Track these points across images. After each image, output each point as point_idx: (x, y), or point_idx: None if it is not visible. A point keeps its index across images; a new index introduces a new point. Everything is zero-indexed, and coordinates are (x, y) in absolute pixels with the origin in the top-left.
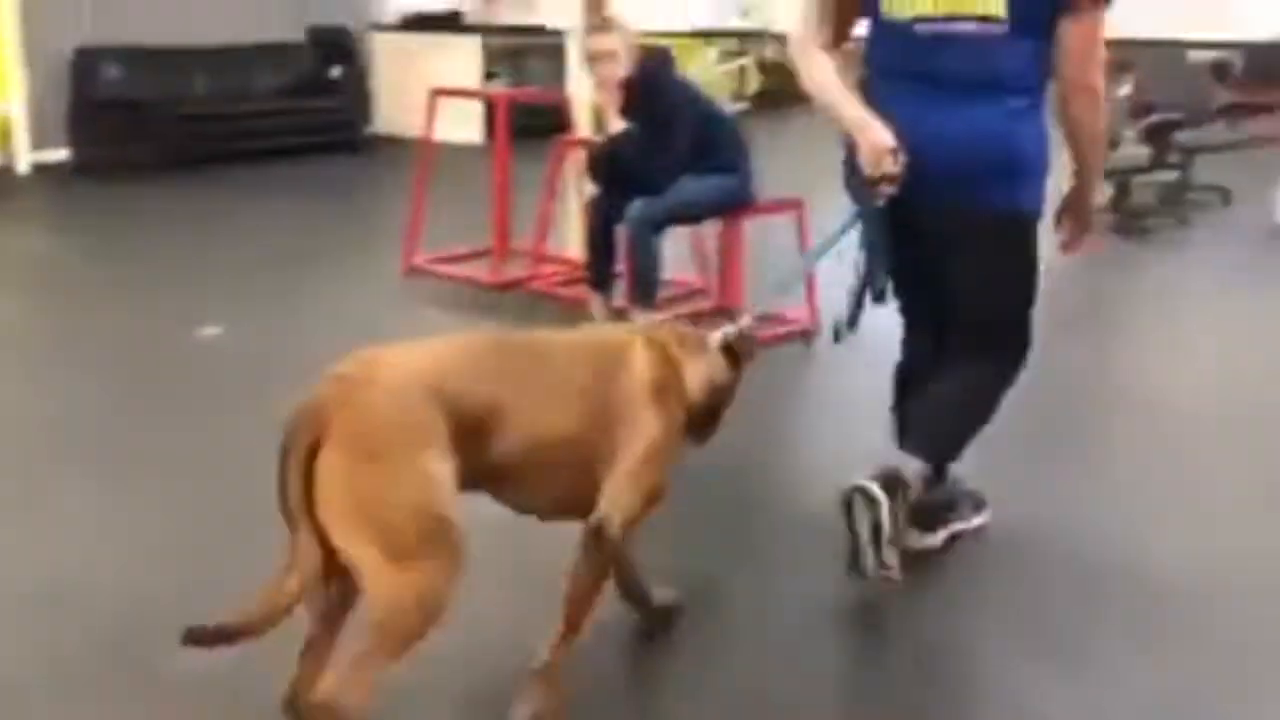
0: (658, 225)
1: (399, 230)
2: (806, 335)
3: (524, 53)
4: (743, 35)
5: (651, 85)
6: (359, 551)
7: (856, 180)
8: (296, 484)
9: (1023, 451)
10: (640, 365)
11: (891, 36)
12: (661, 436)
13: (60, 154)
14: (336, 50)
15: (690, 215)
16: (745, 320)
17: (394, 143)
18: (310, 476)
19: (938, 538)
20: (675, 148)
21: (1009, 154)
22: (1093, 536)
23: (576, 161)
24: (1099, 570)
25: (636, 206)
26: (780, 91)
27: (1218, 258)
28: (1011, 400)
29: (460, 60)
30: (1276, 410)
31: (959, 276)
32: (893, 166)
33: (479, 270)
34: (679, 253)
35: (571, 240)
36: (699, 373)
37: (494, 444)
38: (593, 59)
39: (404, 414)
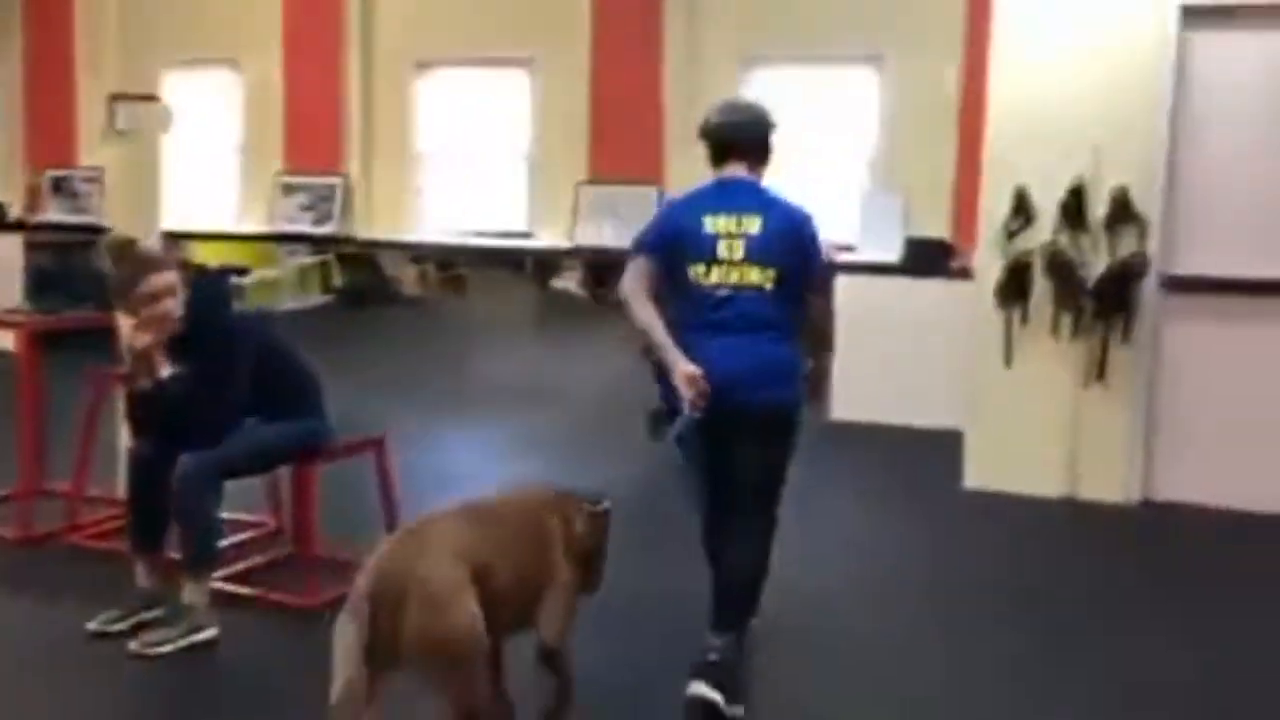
0: (214, 480)
1: None
2: None
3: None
4: (324, 239)
5: (207, 323)
6: (439, 673)
7: (674, 396)
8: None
9: None
10: (556, 522)
11: (698, 296)
12: (572, 574)
13: None
14: None
15: (255, 466)
16: (605, 502)
17: None
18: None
19: (740, 709)
20: (234, 392)
21: (776, 368)
22: None
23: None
24: None
25: (187, 461)
26: (362, 286)
27: None
28: None
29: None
30: None
31: (748, 454)
32: (703, 385)
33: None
34: (251, 489)
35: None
36: (584, 529)
37: (489, 584)
38: (146, 300)
39: (455, 571)
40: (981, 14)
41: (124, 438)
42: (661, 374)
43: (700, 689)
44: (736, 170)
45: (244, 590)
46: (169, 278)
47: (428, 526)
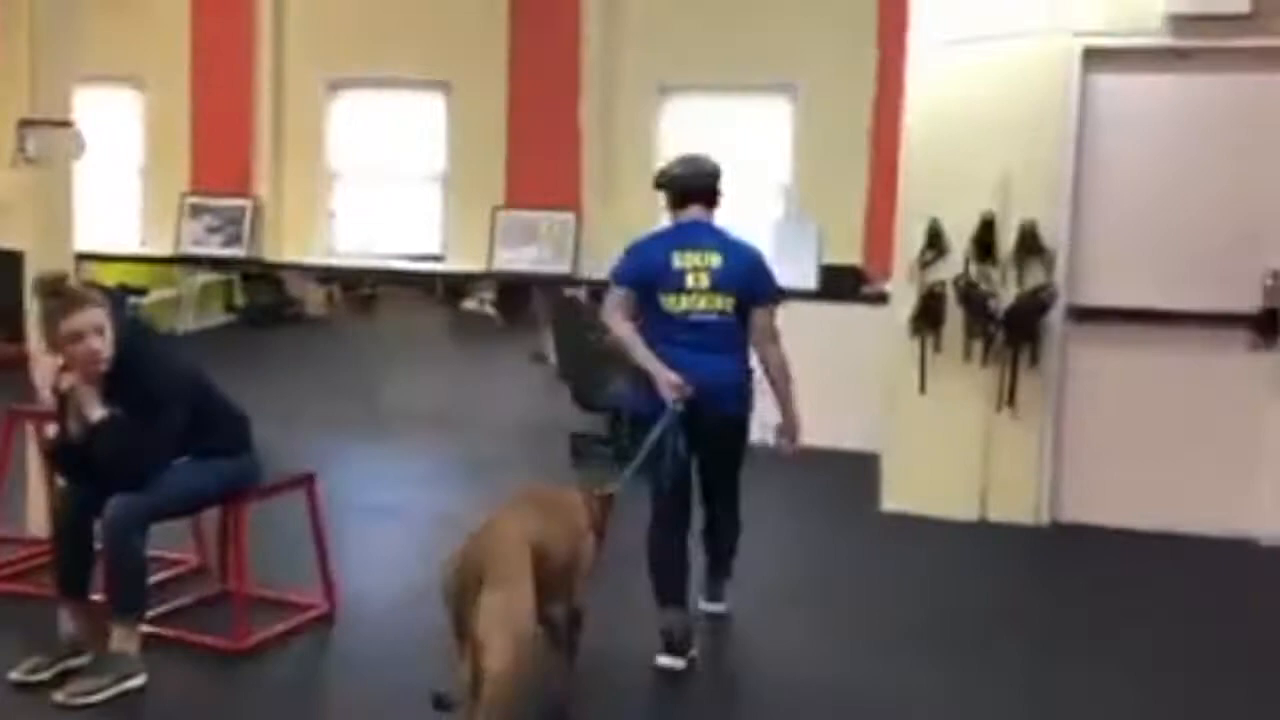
0: (144, 524)
1: None
2: (323, 621)
3: None
4: (232, 262)
5: (137, 363)
6: (501, 643)
7: (651, 402)
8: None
9: None
10: (584, 509)
11: (670, 320)
12: (594, 547)
13: None
14: None
15: (186, 509)
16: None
17: None
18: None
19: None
20: (167, 434)
21: (737, 382)
22: None
23: (41, 435)
24: None
25: (117, 504)
26: (265, 306)
27: None
28: None
29: None
30: None
31: (718, 453)
32: (686, 389)
33: None
34: (175, 527)
35: (37, 518)
36: (599, 510)
37: (544, 563)
38: (71, 339)
39: (520, 557)
40: (894, 46)
41: (36, 476)
42: (638, 384)
43: (669, 661)
44: (695, 213)
45: (171, 633)
46: (93, 316)
47: (499, 519)
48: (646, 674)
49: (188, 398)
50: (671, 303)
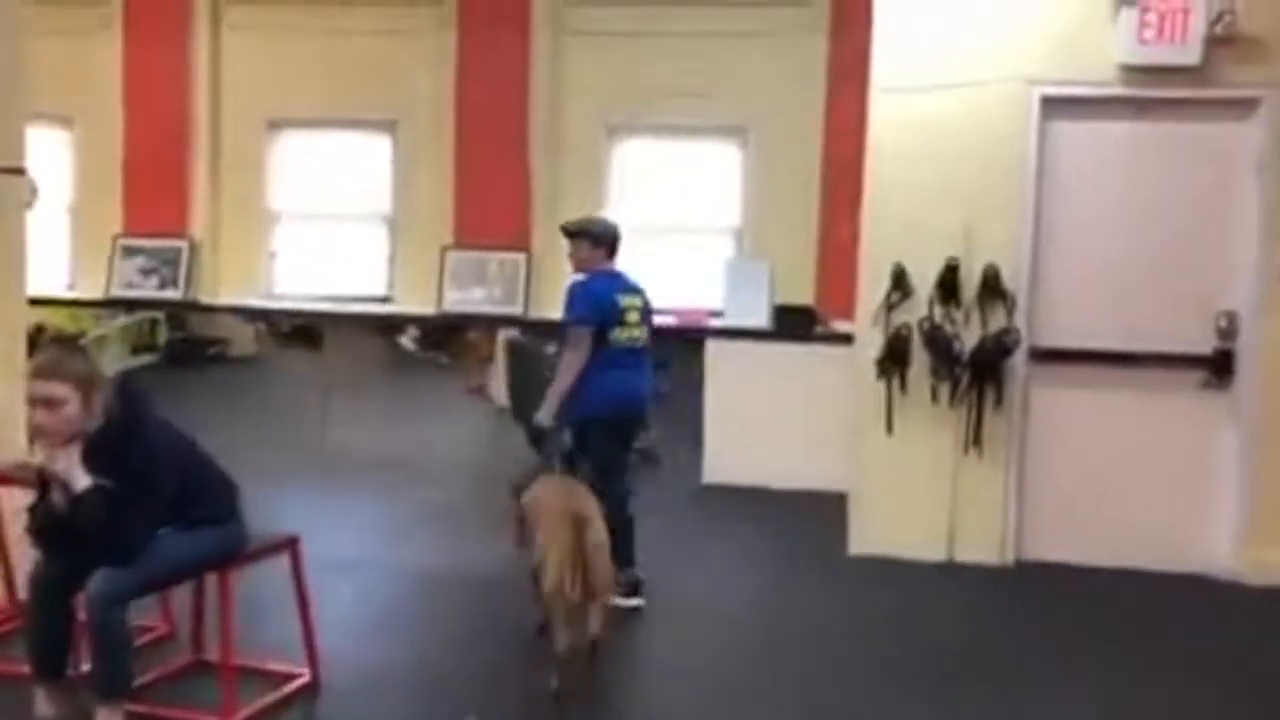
0: (129, 599)
1: None
2: (309, 690)
3: None
4: (167, 304)
5: (126, 434)
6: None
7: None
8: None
9: None
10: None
11: (615, 348)
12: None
13: None
14: None
15: (172, 581)
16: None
17: None
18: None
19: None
20: (154, 506)
21: (651, 392)
22: None
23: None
24: None
25: (101, 578)
26: (191, 344)
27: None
28: None
29: None
30: None
31: (633, 441)
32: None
33: None
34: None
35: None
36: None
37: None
38: (42, 403)
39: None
40: (843, 89)
41: (14, 546)
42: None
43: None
44: (616, 263)
45: (156, 711)
46: (49, 389)
47: (566, 485)
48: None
49: (178, 470)
50: (618, 334)
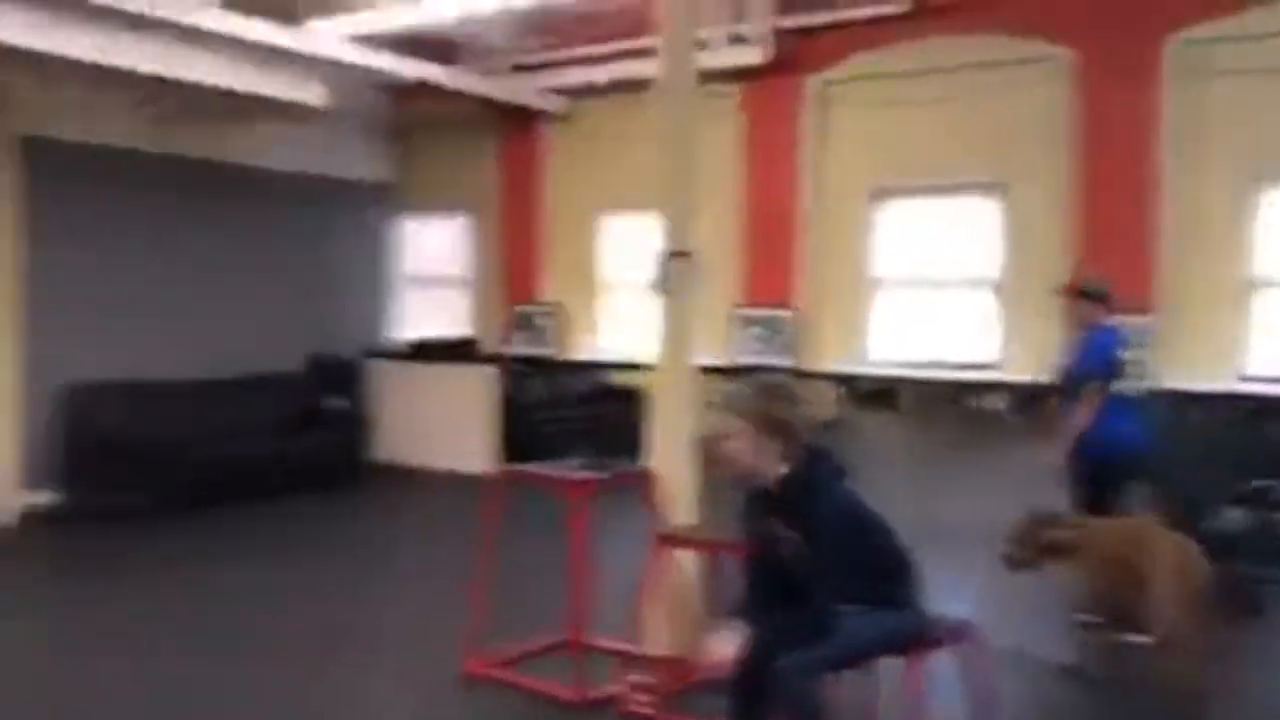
0: (820, 675)
1: (441, 611)
2: None
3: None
4: (768, 370)
5: (801, 489)
6: None
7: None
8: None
9: None
10: None
11: (1119, 397)
12: None
13: (48, 497)
14: (336, 379)
15: (855, 663)
16: None
17: (394, 472)
18: None
19: None
20: (824, 565)
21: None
22: None
23: (673, 564)
24: None
25: (797, 658)
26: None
27: None
28: None
29: (470, 389)
30: None
31: None
32: None
33: (552, 677)
34: None
35: (660, 634)
36: None
37: None
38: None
39: None
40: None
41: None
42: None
43: None
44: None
45: None
46: (730, 422)
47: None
48: None
49: (848, 536)
50: (1119, 384)
